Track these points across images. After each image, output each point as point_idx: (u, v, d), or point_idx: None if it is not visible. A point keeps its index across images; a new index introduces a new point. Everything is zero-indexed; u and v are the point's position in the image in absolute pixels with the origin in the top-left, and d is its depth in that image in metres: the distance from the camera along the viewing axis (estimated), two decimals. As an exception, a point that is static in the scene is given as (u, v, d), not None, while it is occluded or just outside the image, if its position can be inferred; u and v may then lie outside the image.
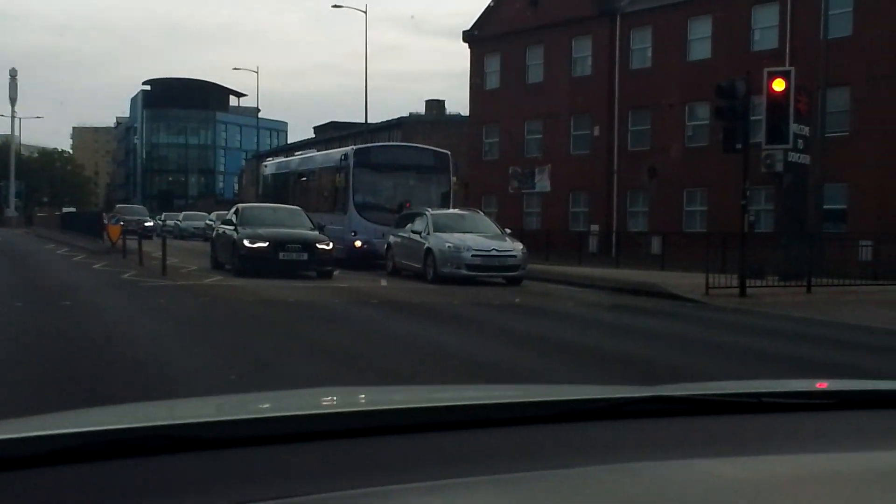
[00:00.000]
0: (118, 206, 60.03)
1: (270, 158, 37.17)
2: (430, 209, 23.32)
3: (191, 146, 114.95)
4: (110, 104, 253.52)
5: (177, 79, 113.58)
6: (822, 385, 2.41)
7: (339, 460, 1.55)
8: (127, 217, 42.73)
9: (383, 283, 21.48)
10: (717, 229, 27.04)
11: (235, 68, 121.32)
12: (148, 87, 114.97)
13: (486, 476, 1.48)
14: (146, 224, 48.56)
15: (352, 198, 25.96)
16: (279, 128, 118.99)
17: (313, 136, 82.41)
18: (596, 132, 41.53)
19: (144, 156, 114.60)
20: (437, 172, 26.94)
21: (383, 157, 27.11)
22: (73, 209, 76.11)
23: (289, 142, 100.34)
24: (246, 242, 21.17)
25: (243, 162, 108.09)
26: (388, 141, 46.17)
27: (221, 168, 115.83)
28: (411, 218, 23.40)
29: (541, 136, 44.19)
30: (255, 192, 39.83)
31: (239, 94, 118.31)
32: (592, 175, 41.48)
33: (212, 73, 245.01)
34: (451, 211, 24.60)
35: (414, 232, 22.63)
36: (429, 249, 21.65)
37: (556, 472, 1.52)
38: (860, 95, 33.60)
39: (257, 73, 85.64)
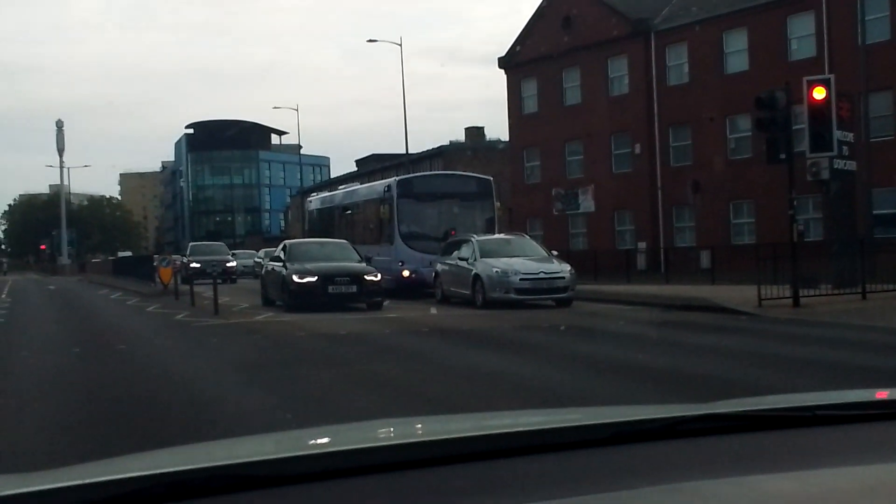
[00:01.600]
0: (192, 244, 49.47)
1: (315, 194, 37.60)
2: (475, 235, 23.39)
3: (236, 186, 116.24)
4: (155, 149, 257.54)
5: (218, 121, 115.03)
6: (880, 395, 2.37)
7: (399, 492, 1.56)
8: (202, 258, 41.24)
9: (433, 311, 21.53)
10: (766, 240, 26.85)
11: (276, 107, 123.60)
12: (191, 131, 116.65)
13: (543, 502, 1.48)
14: (228, 265, 41.44)
15: (397, 228, 26.16)
16: (321, 163, 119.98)
17: (356, 169, 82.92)
18: (637, 150, 41.44)
19: (191, 198, 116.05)
20: (481, 199, 27.02)
21: (426, 187, 27.29)
22: (128, 253, 76.89)
23: (331, 176, 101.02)
24: (295, 278, 21.32)
25: (288, 199, 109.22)
26: (430, 170, 46.62)
27: (267, 206, 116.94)
28: (458, 245, 23.49)
29: (581, 156, 44.19)
30: (302, 228, 40.10)
31: (280, 133, 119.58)
32: (636, 193, 41.37)
33: (252, 113, 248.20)
34: (497, 236, 24.63)
35: (461, 259, 22.69)
36: (477, 275, 21.69)
37: (612, 494, 1.52)
38: (904, 98, 33.22)
39: (297, 110, 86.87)
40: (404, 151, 51.36)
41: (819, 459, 1.72)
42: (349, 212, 31.42)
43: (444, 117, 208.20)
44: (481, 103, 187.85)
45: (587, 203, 43.94)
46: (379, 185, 29.11)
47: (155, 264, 34.75)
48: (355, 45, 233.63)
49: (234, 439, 3.66)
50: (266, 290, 24.05)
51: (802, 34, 35.61)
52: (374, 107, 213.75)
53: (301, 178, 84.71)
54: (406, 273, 25.47)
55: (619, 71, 42.49)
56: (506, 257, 21.92)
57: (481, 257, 22.02)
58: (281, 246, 24.71)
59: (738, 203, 38.07)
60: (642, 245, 40.81)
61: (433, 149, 59.81)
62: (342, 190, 34.24)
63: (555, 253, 23.90)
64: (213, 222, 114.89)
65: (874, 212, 31.32)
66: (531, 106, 46.88)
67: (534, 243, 24.54)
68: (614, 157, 42.87)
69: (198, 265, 39.05)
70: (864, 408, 2.16)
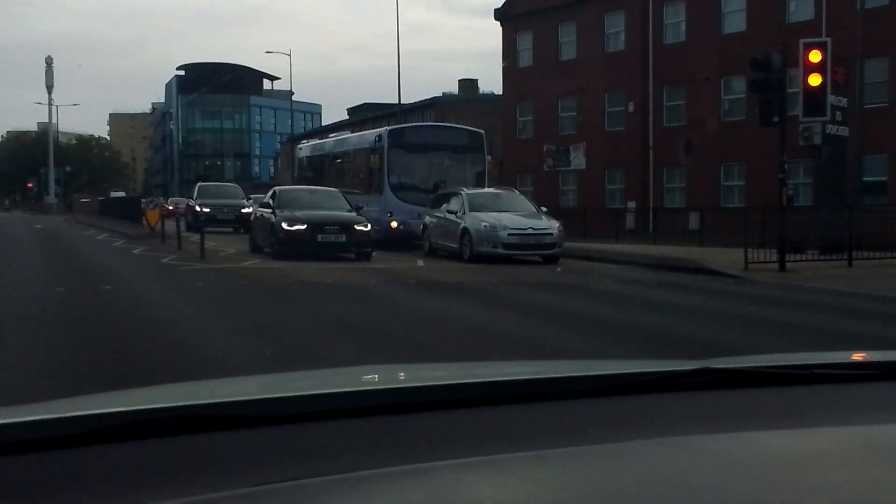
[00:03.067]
0: (200, 184, 40.80)
1: (305, 141, 37.39)
2: (465, 189, 23.31)
3: (226, 130, 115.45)
4: (146, 90, 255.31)
5: (210, 63, 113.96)
6: (868, 356, 2.36)
7: (381, 437, 1.54)
8: (213, 201, 36.51)
9: (420, 263, 21.51)
10: (756, 204, 26.80)
11: (268, 51, 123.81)
12: (182, 73, 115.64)
13: (532, 451, 1.45)
14: (244, 210, 33.59)
15: (387, 179, 26.05)
16: (313, 110, 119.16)
17: (347, 117, 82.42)
18: (630, 108, 41.27)
19: (180, 141, 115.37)
20: (472, 152, 26.98)
21: (417, 138, 27.06)
22: (121, 193, 76.11)
23: (323, 124, 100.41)
24: (284, 225, 21.18)
25: (278, 145, 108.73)
26: (422, 121, 46.20)
27: (257, 152, 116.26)
28: (447, 198, 23.38)
29: (575, 113, 43.99)
30: (291, 175, 39.88)
31: (273, 78, 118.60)
32: (628, 151, 41.25)
33: (245, 56, 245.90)
34: (487, 190, 24.58)
35: (450, 212, 22.59)
36: (465, 229, 21.60)
37: (604, 446, 1.50)
38: (900, 65, 33.09)
39: (290, 55, 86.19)
40: (397, 101, 51.08)
41: (816, 417, 1.71)
42: (339, 160, 31.26)
43: (438, 68, 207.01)
44: (476, 56, 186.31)
45: (578, 160, 43.83)
46: (370, 134, 28.93)
47: (143, 206, 34.52)
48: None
49: (217, 380, 3.63)
50: (254, 237, 23.78)
51: (802, -5, 35.31)
52: (368, 55, 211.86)
53: (292, 125, 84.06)
54: (395, 224, 25.42)
55: (616, 27, 42.18)
56: (495, 212, 21.82)
57: (470, 211, 21.89)
58: (270, 192, 24.34)
59: (729, 165, 38.01)
60: (632, 204, 40.79)
61: (426, 100, 59.43)
62: (333, 138, 33.98)
63: (544, 209, 23.81)
64: (203, 166, 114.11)
65: (864, 179, 31.30)
66: (526, 59, 46.56)
67: (523, 199, 24.45)
68: (607, 115, 42.70)
69: (208, 210, 35.13)
70: (862, 367, 2.17)
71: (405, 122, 39.93)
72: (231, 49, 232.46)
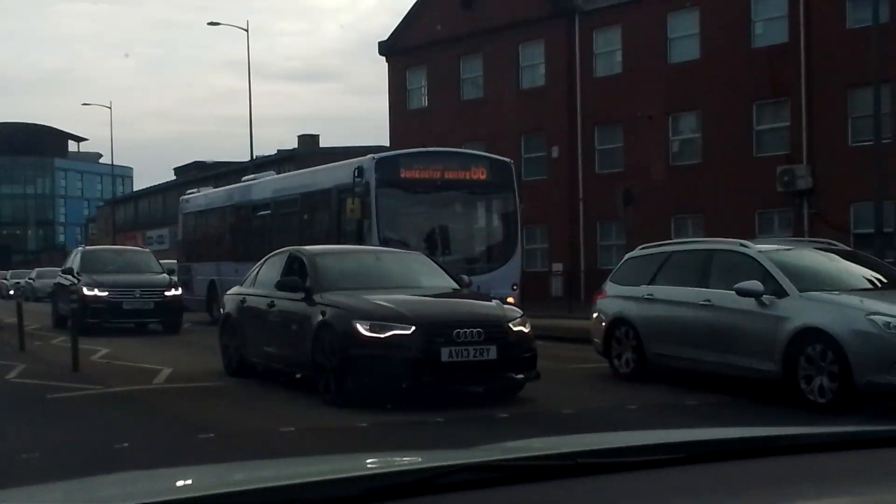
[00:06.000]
0: (84, 249, 21.94)
1: (195, 190, 28.22)
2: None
3: (28, 196, 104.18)
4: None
5: (8, 123, 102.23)
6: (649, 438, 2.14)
7: None
8: (114, 278, 22.37)
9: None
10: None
11: (85, 103, 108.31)
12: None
13: None
14: (167, 293, 22.00)
15: (376, 234, 17.22)
16: (124, 174, 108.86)
17: (174, 178, 73.49)
18: (555, 153, 35.02)
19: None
20: (497, 190, 18.75)
21: (418, 170, 18.34)
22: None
23: (134, 189, 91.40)
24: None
25: (85, 211, 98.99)
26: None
27: (62, 219, 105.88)
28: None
29: (482, 161, 37.37)
30: (181, 238, 28.81)
31: (78, 139, 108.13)
32: (552, 204, 34.76)
33: (46, 119, 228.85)
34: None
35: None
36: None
37: None
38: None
39: (111, 108, 77.66)
40: (226, 160, 42.47)
41: None
42: (267, 212, 22.59)
43: (247, 133, 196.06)
44: (284, 120, 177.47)
45: (486, 216, 37.18)
46: (337, 168, 19.89)
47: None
48: (152, 56, 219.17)
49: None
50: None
51: (772, 16, 30.00)
52: (172, 121, 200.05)
53: (102, 189, 75.50)
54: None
55: (534, 59, 35.94)
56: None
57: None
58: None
59: (682, 218, 32.18)
60: (558, 267, 34.47)
61: (284, 151, 51.73)
62: (251, 182, 24.67)
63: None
64: (1, 236, 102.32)
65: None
66: (418, 101, 39.78)
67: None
68: (525, 162, 36.06)
69: (105, 294, 20.74)
70: (656, 451, 1.97)
71: (211, 189, 30.42)
72: (29, 114, 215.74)
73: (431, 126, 37.95)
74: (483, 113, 36.39)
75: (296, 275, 11.50)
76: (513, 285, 17.84)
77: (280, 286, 11.58)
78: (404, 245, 16.64)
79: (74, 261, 22.43)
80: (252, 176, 25.60)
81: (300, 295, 11.09)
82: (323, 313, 10.41)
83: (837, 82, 27.74)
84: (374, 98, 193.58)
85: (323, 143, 53.98)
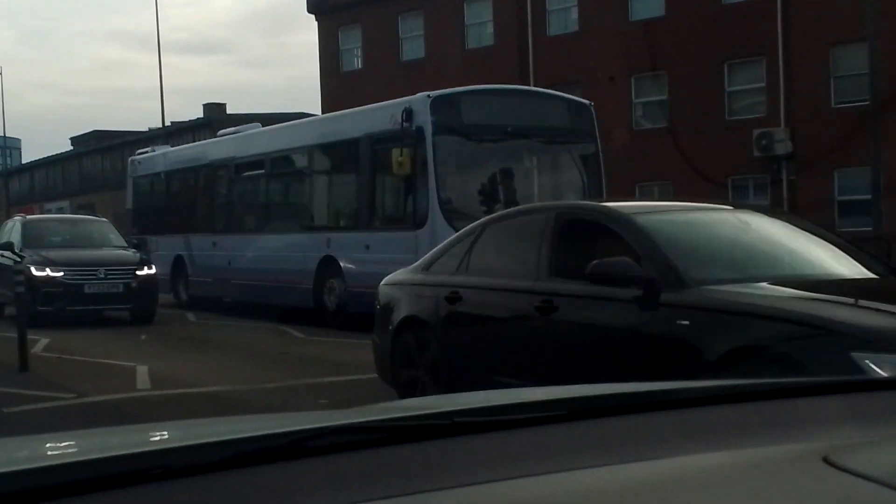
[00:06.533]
0: (25, 219, 21.45)
1: (148, 149, 24.10)
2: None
3: None
4: None
5: None
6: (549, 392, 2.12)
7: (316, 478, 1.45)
8: (68, 255, 18.34)
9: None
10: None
11: None
12: None
13: None
14: (139, 272, 18.68)
15: (435, 192, 13.75)
16: (13, 145, 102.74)
17: (71, 148, 68.99)
18: (505, 118, 32.72)
19: None
20: (578, 138, 15.47)
21: (484, 113, 14.80)
22: None
23: (23, 161, 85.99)
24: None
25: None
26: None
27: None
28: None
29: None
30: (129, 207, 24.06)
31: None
32: (503, 173, 32.60)
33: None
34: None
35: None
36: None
37: None
38: None
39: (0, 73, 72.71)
40: (132, 129, 39.08)
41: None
42: (260, 171, 18.72)
43: (137, 106, 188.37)
44: (180, 91, 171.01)
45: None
46: (366, 112, 16.31)
47: None
48: (33, 28, 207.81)
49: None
50: None
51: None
52: (58, 92, 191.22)
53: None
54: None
55: (480, 17, 33.45)
56: None
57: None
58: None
59: (647, 187, 30.22)
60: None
61: (200, 118, 48.20)
62: (233, 137, 20.19)
63: None
64: None
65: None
66: (352, 62, 36.93)
67: None
68: (472, 128, 33.92)
69: (60, 274, 17.18)
70: (535, 409, 1.89)
71: (174, 145, 27.49)
72: None
73: (368, 89, 35.20)
74: (425, 75, 33.65)
75: (599, 254, 6.55)
76: None
77: (594, 273, 6.34)
78: (466, 207, 13.55)
79: (13, 233, 18.35)
80: (231, 129, 21.20)
81: (631, 292, 6.18)
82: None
83: (818, 39, 26.05)
84: (268, 70, 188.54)
85: (230, 112, 50.63)
